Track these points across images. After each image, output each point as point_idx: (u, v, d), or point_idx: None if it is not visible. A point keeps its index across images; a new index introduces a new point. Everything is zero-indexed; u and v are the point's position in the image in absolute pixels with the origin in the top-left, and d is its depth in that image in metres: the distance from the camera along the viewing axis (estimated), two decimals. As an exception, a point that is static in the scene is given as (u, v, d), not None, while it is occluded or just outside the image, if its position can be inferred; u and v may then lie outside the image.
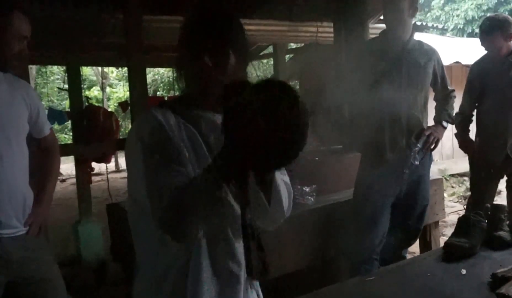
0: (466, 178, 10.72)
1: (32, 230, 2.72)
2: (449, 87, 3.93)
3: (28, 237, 2.70)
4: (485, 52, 4.57)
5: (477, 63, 4.59)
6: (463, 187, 10.24)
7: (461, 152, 12.07)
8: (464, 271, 2.44)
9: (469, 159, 4.67)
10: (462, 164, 11.08)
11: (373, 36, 4.17)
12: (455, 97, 3.98)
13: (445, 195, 7.10)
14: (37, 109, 2.81)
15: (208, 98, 1.69)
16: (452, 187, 10.47)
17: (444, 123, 3.85)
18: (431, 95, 3.90)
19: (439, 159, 11.72)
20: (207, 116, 1.70)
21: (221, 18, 1.69)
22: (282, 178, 1.69)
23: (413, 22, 3.76)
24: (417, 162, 3.62)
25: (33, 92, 2.90)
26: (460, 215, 2.96)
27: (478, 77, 4.42)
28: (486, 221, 2.87)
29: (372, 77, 3.54)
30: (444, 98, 3.94)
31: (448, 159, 11.98)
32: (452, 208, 8.11)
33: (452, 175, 11.12)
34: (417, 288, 2.32)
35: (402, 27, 3.61)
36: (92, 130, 6.45)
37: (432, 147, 3.74)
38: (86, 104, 7.34)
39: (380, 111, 3.56)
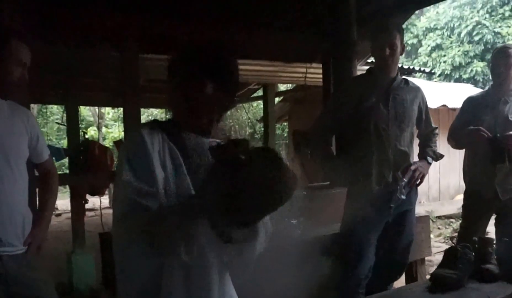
0: (452, 220, 10.66)
1: (31, 249, 2.79)
2: (432, 125, 3.93)
3: (27, 256, 2.76)
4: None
5: (471, 97, 4.51)
6: (450, 229, 10.14)
7: (448, 194, 12.10)
8: (451, 302, 2.33)
9: (464, 193, 4.54)
10: (449, 206, 11.09)
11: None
12: (438, 134, 3.97)
13: (432, 236, 7.01)
14: (36, 135, 2.90)
15: (192, 122, 1.77)
16: (439, 228, 10.38)
17: (429, 159, 3.83)
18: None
19: (426, 201, 11.68)
20: (191, 137, 1.77)
21: (207, 50, 1.76)
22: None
23: (400, 64, 3.75)
24: (403, 197, 3.59)
25: (33, 119, 2.97)
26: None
27: (471, 109, 4.33)
28: (474, 254, 2.78)
29: (359, 112, 3.52)
30: (428, 135, 3.93)
31: (435, 201, 11.95)
32: (438, 248, 7.99)
33: (439, 217, 11.03)
34: (403, 317, 2.22)
35: (390, 64, 3.59)
36: (88, 162, 6.74)
37: (417, 182, 3.71)
38: (83, 139, 7.68)
39: (367, 146, 3.52)
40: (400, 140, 3.60)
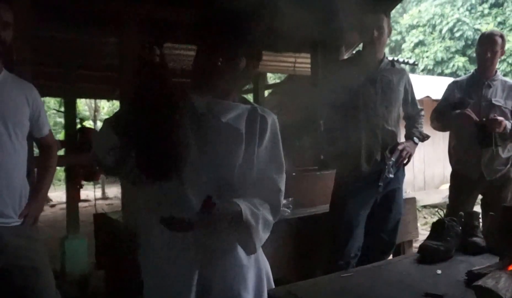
0: (438, 209, 10.62)
1: (27, 221, 2.75)
2: (418, 107, 3.92)
3: (23, 227, 2.73)
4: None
5: (456, 80, 4.51)
6: (435, 218, 10.05)
7: (433, 183, 12.02)
8: (439, 271, 2.30)
9: (450, 175, 4.50)
10: (434, 195, 11.05)
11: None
12: (423, 116, 3.95)
13: (418, 224, 6.98)
14: (38, 110, 2.85)
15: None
16: (425, 217, 10.33)
17: (416, 139, 3.82)
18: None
19: (411, 190, 11.65)
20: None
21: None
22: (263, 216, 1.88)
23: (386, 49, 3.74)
24: (391, 175, 3.57)
25: (36, 93, 2.90)
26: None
27: (456, 92, 4.30)
28: (461, 227, 2.73)
29: (348, 93, 3.50)
30: (414, 116, 3.91)
31: (420, 190, 11.93)
32: (424, 235, 7.91)
33: (424, 206, 10.99)
34: (393, 284, 2.18)
35: (378, 46, 3.61)
36: (84, 147, 6.62)
37: (405, 161, 3.70)
38: (80, 126, 7.65)
39: (356, 126, 3.53)
40: (388, 120, 3.60)
